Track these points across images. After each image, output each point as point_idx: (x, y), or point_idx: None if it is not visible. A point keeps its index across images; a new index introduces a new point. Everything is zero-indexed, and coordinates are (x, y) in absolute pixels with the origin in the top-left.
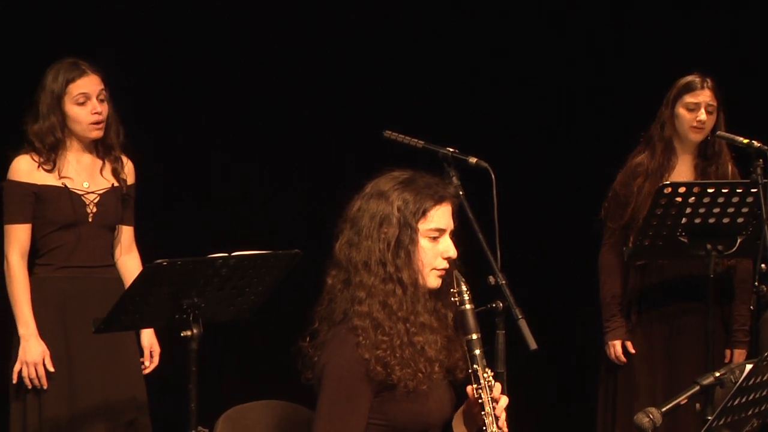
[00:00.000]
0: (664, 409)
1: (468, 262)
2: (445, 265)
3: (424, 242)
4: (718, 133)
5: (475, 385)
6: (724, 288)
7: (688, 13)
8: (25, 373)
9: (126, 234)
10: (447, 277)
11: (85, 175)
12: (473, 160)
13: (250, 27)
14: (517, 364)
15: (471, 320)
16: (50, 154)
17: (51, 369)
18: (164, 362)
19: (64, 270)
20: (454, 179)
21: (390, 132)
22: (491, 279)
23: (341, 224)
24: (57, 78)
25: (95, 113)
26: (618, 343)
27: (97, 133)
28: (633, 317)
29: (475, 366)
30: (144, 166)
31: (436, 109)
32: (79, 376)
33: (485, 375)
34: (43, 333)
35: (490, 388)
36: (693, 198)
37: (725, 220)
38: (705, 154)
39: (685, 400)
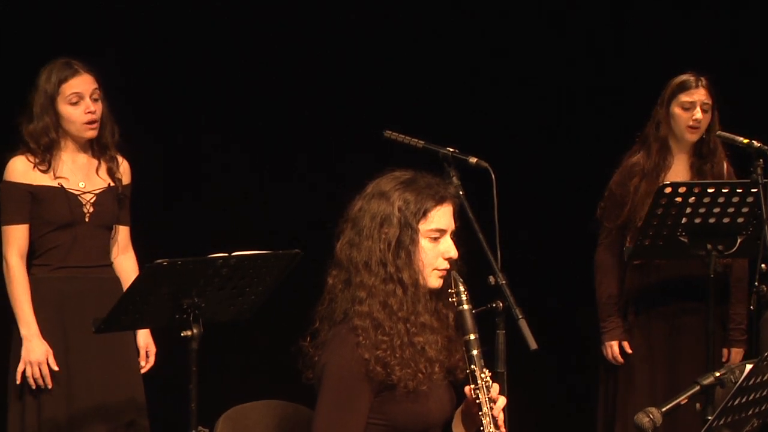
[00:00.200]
0: (664, 409)
1: (468, 262)
2: (446, 265)
3: (424, 242)
4: (718, 133)
5: (472, 386)
6: (721, 287)
7: (688, 13)
8: (29, 373)
9: (122, 234)
10: (448, 277)
11: (81, 175)
12: (473, 160)
13: (250, 27)
14: (517, 364)
15: (469, 320)
16: (45, 154)
17: (55, 368)
18: (164, 362)
19: (61, 270)
20: (455, 179)
21: (390, 132)
22: (491, 279)
23: (342, 224)
24: (50, 78)
25: (89, 113)
26: (615, 344)
27: (91, 133)
28: (630, 317)
29: (472, 366)
30: (143, 166)
31: (436, 109)
32: (78, 376)
33: (483, 375)
34: (42, 333)
35: (488, 388)
36: (693, 198)
37: (725, 220)
38: (700, 152)
39: (686, 400)
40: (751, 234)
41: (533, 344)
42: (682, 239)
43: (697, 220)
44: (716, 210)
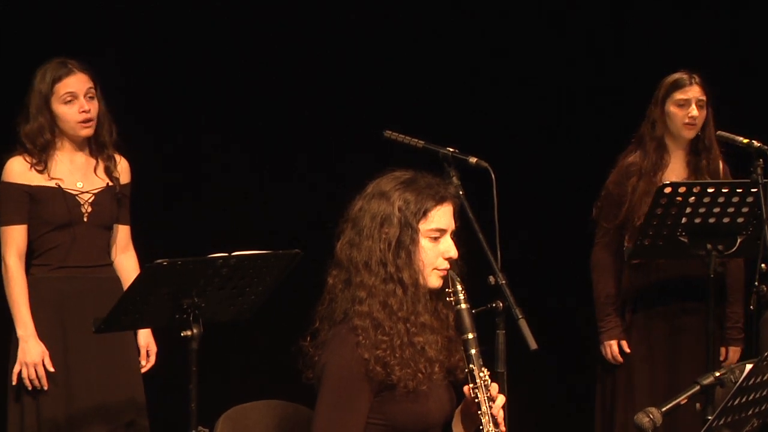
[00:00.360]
0: (664, 409)
1: (468, 262)
2: (446, 265)
3: (425, 242)
4: (718, 133)
5: (471, 385)
6: (719, 287)
7: (688, 13)
8: (24, 374)
9: (122, 233)
10: (445, 277)
11: (79, 174)
12: (473, 160)
13: (250, 27)
14: (517, 364)
15: (466, 319)
16: (42, 154)
17: (51, 369)
18: (164, 362)
19: (60, 270)
20: (455, 179)
21: (390, 132)
22: (491, 279)
23: (342, 224)
24: (44, 78)
25: (83, 112)
26: (614, 343)
27: (86, 132)
28: (628, 316)
29: (471, 365)
30: (143, 166)
31: (436, 109)
32: (77, 376)
33: (481, 374)
34: (41, 333)
35: (486, 387)
36: (693, 198)
37: (725, 220)
38: (696, 149)
39: (686, 400)
40: (751, 234)
41: (533, 344)
42: (682, 239)
43: (697, 220)
44: (716, 210)
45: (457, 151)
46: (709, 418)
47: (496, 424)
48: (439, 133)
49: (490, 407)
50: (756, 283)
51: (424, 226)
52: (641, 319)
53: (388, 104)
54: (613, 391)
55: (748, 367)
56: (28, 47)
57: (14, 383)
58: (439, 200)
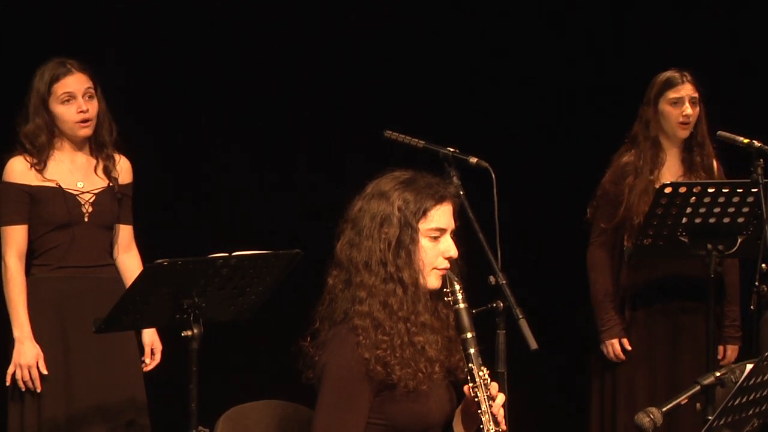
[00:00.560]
0: (664, 409)
1: (468, 262)
2: (446, 264)
3: (424, 242)
4: (719, 133)
5: (471, 384)
6: (717, 287)
7: (688, 13)
8: (18, 376)
9: (124, 233)
10: (446, 277)
11: (79, 174)
12: (473, 160)
13: (250, 27)
14: (518, 364)
15: (465, 319)
16: (42, 154)
17: (45, 371)
18: (164, 362)
19: (60, 270)
20: (455, 179)
21: (390, 132)
22: (491, 279)
23: (342, 224)
24: (43, 78)
25: (80, 112)
26: (615, 342)
27: (85, 131)
28: (627, 313)
29: (470, 365)
30: (144, 166)
31: (436, 109)
32: (78, 376)
33: (481, 373)
34: (41, 333)
35: (486, 386)
36: (693, 198)
37: (726, 220)
38: (690, 146)
39: (686, 400)
40: (751, 234)
41: (533, 344)
42: (683, 239)
43: (698, 220)
44: (716, 210)
45: (457, 151)
46: (710, 418)
47: (496, 423)
48: (439, 133)
49: (490, 406)
50: (756, 283)
51: (423, 225)
52: (641, 318)
53: (388, 104)
54: (613, 390)
55: (749, 367)
56: (28, 47)
57: (8, 384)
58: (439, 200)
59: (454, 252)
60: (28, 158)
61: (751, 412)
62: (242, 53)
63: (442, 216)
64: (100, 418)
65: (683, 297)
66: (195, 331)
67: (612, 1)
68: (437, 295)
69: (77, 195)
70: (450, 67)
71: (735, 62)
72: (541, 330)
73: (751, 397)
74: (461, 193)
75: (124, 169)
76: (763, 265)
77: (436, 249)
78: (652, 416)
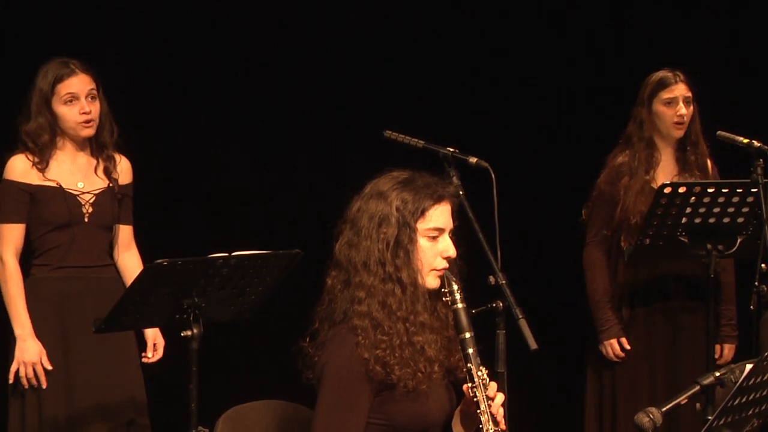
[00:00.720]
0: (664, 409)
1: (468, 262)
2: (445, 264)
3: (423, 242)
4: (719, 133)
5: (469, 384)
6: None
7: (688, 13)
8: (22, 373)
9: (124, 232)
10: (444, 277)
11: (80, 175)
12: (473, 160)
13: (250, 27)
14: (517, 364)
15: (463, 318)
16: (43, 154)
17: (49, 367)
18: (164, 362)
19: (60, 270)
20: (455, 179)
21: (390, 132)
22: (491, 279)
23: (341, 225)
24: (46, 77)
25: (83, 113)
26: (614, 342)
27: (87, 132)
28: (625, 312)
29: (469, 364)
30: (144, 166)
31: (436, 109)
32: (78, 376)
33: (479, 373)
34: (41, 333)
35: (485, 386)
36: (693, 198)
37: (725, 220)
38: (684, 145)
39: (686, 400)
40: (751, 234)
41: (533, 344)
42: (682, 239)
43: (697, 220)
44: (716, 210)
45: (457, 151)
46: (709, 418)
47: (495, 423)
48: (439, 133)
49: (489, 406)
50: (756, 283)
51: (422, 225)
52: (640, 317)
53: (388, 104)
54: (612, 390)
55: (749, 367)
56: (29, 47)
57: (11, 381)
58: (437, 199)
59: (452, 252)
60: (29, 157)
61: (750, 412)
62: (242, 53)
63: (440, 216)
64: (100, 418)
65: (682, 296)
66: (195, 331)
67: (612, 1)
68: (436, 294)
69: (77, 195)
70: (450, 67)
71: (735, 62)
72: (541, 330)
73: (751, 397)
74: (461, 193)
75: (124, 169)
76: (763, 265)
77: (434, 249)
78: (651, 416)
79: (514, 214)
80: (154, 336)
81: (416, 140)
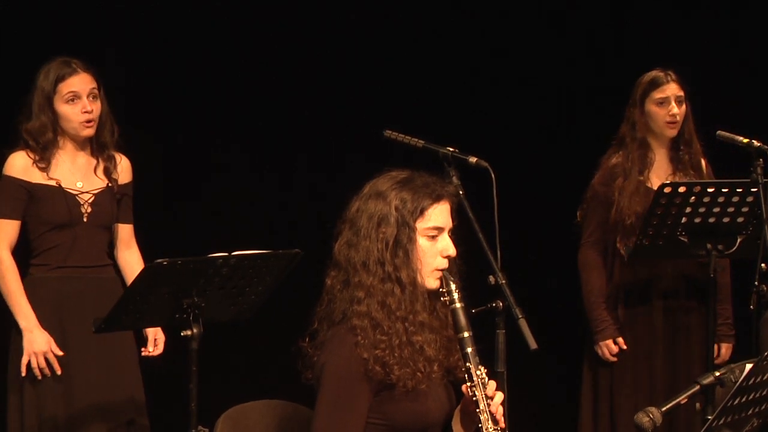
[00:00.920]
0: (664, 409)
1: (468, 261)
2: (445, 264)
3: (422, 241)
4: (719, 133)
5: (468, 383)
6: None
7: (688, 13)
8: (34, 364)
9: (124, 231)
10: (442, 277)
11: (79, 174)
12: (473, 159)
13: (250, 27)
14: (517, 364)
15: (462, 318)
16: (44, 152)
17: (60, 353)
18: (164, 362)
19: (59, 270)
20: (454, 179)
21: (390, 132)
22: (491, 279)
23: (340, 225)
24: (48, 76)
25: (85, 112)
26: (610, 342)
27: (88, 131)
28: (620, 312)
29: (468, 364)
30: (144, 166)
31: (436, 109)
32: (77, 376)
33: (478, 372)
34: None
35: (484, 385)
36: (693, 198)
37: (725, 220)
38: (677, 145)
39: (686, 400)
40: (751, 234)
41: (533, 344)
42: (682, 239)
43: (697, 220)
44: (716, 210)
45: (457, 150)
46: (709, 417)
47: (494, 422)
48: (439, 133)
49: (488, 405)
50: (756, 283)
51: (421, 224)
52: (638, 317)
53: (388, 104)
54: (609, 390)
55: (748, 366)
56: (29, 47)
57: (24, 374)
58: (436, 198)
59: (452, 251)
60: (30, 154)
61: (750, 411)
62: (242, 53)
63: (439, 215)
64: (100, 418)
65: (681, 296)
66: (195, 330)
67: (612, 1)
68: (435, 294)
69: (77, 195)
70: (450, 67)
71: (735, 62)
72: (541, 330)
73: (751, 397)
74: (461, 192)
75: (124, 169)
76: (763, 265)
77: (434, 248)
78: (651, 416)
79: (514, 214)
80: (155, 331)
81: (416, 140)
